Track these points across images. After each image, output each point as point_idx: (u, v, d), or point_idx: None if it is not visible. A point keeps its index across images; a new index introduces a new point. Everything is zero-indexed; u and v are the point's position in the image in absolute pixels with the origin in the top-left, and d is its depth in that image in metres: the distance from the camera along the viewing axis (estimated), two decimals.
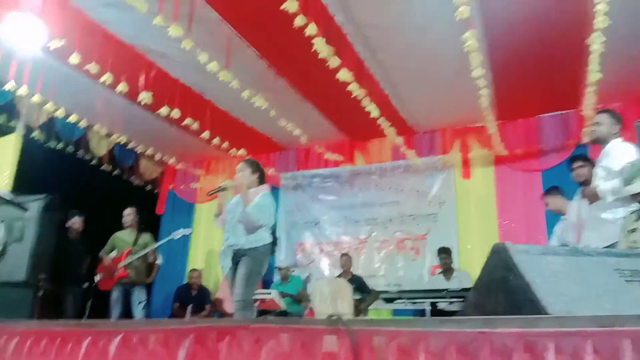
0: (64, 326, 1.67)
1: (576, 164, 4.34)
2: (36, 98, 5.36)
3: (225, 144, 6.72)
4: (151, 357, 1.38)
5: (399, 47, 5.03)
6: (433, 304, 5.46)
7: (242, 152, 7.06)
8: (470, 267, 6.31)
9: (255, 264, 3.90)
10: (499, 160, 6.79)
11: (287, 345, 1.21)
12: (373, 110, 5.45)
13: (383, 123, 5.83)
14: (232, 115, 6.50)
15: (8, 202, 3.62)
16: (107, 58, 4.71)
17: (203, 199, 7.95)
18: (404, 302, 5.61)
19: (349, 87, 4.95)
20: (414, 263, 6.97)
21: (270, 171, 7.65)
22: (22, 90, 5.09)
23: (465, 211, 6.86)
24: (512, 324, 1.13)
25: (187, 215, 8.09)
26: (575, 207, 4.38)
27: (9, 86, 4.96)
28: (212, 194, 4.10)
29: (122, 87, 4.83)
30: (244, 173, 4.08)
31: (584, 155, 4.58)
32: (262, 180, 4.18)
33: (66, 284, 5.58)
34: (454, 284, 5.86)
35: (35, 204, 4.77)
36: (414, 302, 5.64)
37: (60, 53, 4.55)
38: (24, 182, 5.84)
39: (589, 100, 5.28)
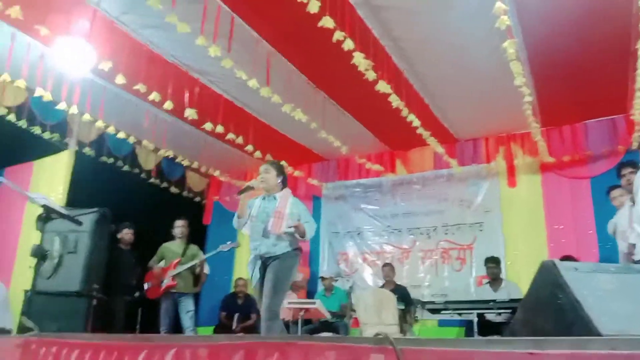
0: (120, 340, 1.76)
1: (626, 170, 4.19)
2: (86, 116, 5.63)
3: (268, 156, 6.84)
4: None
5: (436, 59, 5.03)
6: (480, 315, 5.36)
7: (283, 163, 7.15)
8: (517, 278, 6.17)
9: (285, 270, 3.74)
10: (545, 168, 6.63)
11: None
12: (414, 120, 5.43)
13: (424, 133, 5.80)
14: (273, 127, 6.62)
15: (63, 215, 3.79)
16: (152, 77, 4.90)
17: None
18: (450, 313, 5.53)
19: (389, 98, 4.97)
20: (460, 273, 6.87)
21: (314, 182, 7.73)
22: (73, 110, 5.36)
23: (512, 220, 6.72)
24: (562, 345, 1.12)
25: (232, 225, 8.22)
26: (626, 215, 4.23)
27: (61, 106, 5.22)
28: (241, 193, 3.91)
29: (168, 104, 5.00)
30: (269, 175, 3.95)
31: (634, 162, 4.41)
32: (284, 183, 4.03)
33: (117, 293, 5.76)
34: (502, 294, 5.73)
35: (88, 217, 5.01)
36: (461, 313, 5.55)
37: (108, 73, 4.77)
38: (77, 196, 6.12)
39: (639, 105, 5.10)
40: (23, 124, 5.89)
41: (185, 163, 7.18)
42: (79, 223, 4.11)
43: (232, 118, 5.88)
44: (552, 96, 5.62)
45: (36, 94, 5.04)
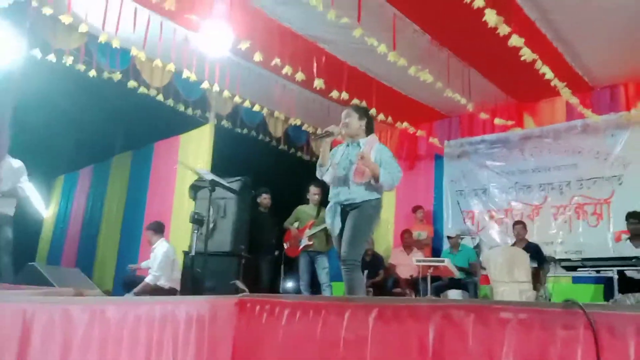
0: (327, 300, 2.05)
1: None
2: (226, 93, 6.12)
3: (390, 119, 6.95)
4: (404, 328, 1.66)
5: (571, 4, 4.75)
6: (620, 272, 5.16)
7: (405, 124, 7.25)
8: None
9: (365, 219, 3.51)
10: None
11: (528, 325, 1.39)
12: (547, 72, 5.22)
13: (558, 84, 5.54)
14: (395, 89, 6.69)
15: (226, 187, 4.24)
16: (285, 51, 5.19)
17: None
18: (587, 270, 5.39)
19: (521, 52, 4.81)
20: (596, 229, 6.56)
21: (434, 140, 7.72)
22: (215, 87, 5.86)
23: None
24: None
25: None
26: None
27: (204, 85, 5.73)
28: (317, 138, 3.64)
29: (299, 76, 5.29)
30: (351, 119, 3.65)
31: None
32: (370, 128, 3.73)
33: (260, 252, 6.33)
34: None
35: (233, 185, 5.54)
36: (598, 270, 5.39)
37: (245, 52, 5.13)
38: (219, 164, 6.75)
39: None
40: (170, 102, 6.55)
41: (310, 129, 7.55)
42: (238, 193, 4.55)
43: (356, 83, 6.04)
44: None
45: (184, 76, 5.58)
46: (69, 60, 5.48)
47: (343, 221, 3.58)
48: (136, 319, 1.84)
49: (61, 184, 10.07)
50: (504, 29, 4.42)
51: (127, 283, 5.94)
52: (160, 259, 5.74)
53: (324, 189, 6.84)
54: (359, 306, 1.80)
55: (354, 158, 3.57)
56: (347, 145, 3.74)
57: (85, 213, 9.05)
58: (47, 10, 4.65)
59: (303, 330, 1.91)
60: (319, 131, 3.63)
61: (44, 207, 9.87)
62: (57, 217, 9.85)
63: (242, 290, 3.33)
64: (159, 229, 5.96)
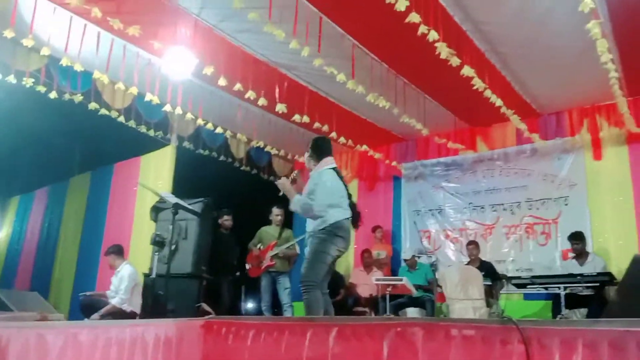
0: (290, 321, 2.15)
1: None
2: (188, 115, 6.18)
3: (350, 142, 7.17)
4: (361, 346, 1.79)
5: (519, 40, 5.09)
6: (567, 289, 5.46)
7: (365, 147, 7.48)
8: (604, 251, 6.19)
9: (319, 242, 3.68)
10: (632, 139, 6.45)
11: (471, 340, 1.55)
12: (496, 100, 5.54)
13: (507, 111, 5.88)
14: (355, 113, 6.93)
15: (189, 210, 4.29)
16: (248, 76, 5.32)
17: None
18: (536, 287, 5.67)
19: (472, 82, 5.11)
20: (545, 248, 6.91)
21: (393, 163, 7.98)
22: (177, 110, 5.92)
23: (598, 193, 6.64)
24: None
25: None
26: None
27: (166, 108, 5.78)
28: (282, 194, 3.83)
29: (262, 101, 5.43)
30: (305, 155, 4.01)
31: None
32: (317, 157, 3.90)
33: (221, 273, 6.35)
34: (588, 268, 5.77)
35: (195, 206, 5.58)
36: (547, 287, 5.68)
37: (208, 76, 5.23)
38: (180, 185, 6.76)
39: None
40: (132, 123, 6.54)
41: (273, 151, 7.68)
42: (200, 215, 4.60)
43: (317, 107, 6.22)
44: (638, 65, 5.51)
45: (146, 98, 5.63)
46: (29, 81, 5.43)
47: None
48: (107, 341, 1.90)
49: (16, 204, 9.80)
50: (455, 61, 4.70)
51: (85, 307, 5.82)
52: (128, 282, 5.69)
53: (286, 210, 6.97)
54: (319, 326, 1.93)
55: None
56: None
57: (41, 234, 8.83)
58: (9, 34, 4.61)
59: (268, 350, 2.02)
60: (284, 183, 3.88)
61: None
62: (11, 239, 9.56)
63: (208, 313, 3.39)
64: (120, 251, 5.92)
